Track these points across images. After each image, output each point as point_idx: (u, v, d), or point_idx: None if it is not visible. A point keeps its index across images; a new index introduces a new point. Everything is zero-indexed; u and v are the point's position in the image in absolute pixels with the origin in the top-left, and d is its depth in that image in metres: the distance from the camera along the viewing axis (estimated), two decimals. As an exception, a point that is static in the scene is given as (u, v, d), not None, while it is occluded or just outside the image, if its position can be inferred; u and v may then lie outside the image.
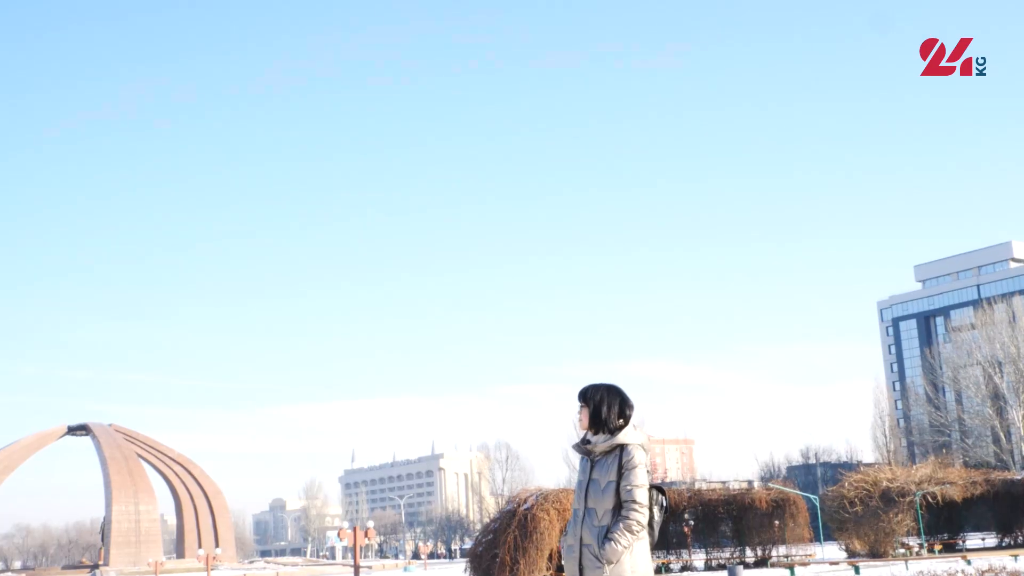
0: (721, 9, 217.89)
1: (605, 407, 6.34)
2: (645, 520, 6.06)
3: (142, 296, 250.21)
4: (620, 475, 6.12)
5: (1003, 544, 46.74)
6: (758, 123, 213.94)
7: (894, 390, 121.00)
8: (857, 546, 43.36)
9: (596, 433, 6.36)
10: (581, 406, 6.46)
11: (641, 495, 6.06)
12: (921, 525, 42.30)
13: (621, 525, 5.98)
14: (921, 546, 43.35)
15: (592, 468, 6.29)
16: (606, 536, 6.01)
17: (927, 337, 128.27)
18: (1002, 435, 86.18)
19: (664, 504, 6.33)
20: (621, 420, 6.35)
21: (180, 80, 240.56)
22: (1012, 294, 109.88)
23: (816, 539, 45.33)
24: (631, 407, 6.44)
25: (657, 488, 6.28)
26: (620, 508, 6.08)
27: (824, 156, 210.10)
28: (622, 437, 6.25)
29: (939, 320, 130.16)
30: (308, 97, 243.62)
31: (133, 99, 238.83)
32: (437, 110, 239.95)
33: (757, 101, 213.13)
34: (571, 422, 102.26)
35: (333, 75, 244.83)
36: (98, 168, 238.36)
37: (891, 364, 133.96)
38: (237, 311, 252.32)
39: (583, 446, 6.42)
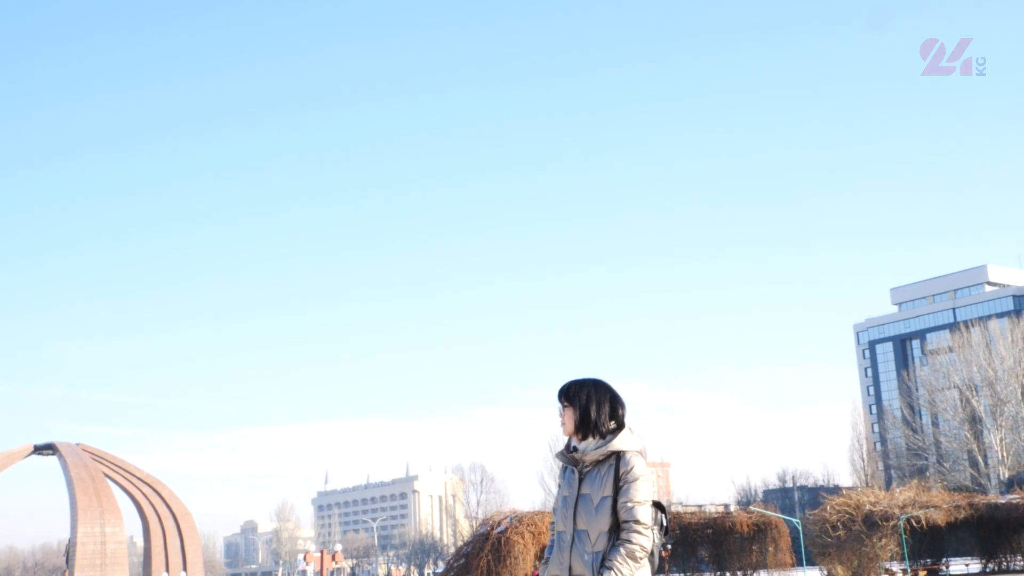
0: (696, 28, 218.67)
1: (594, 407, 5.21)
2: (650, 544, 4.93)
3: (116, 316, 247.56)
4: (617, 489, 5.03)
5: (987, 570, 45.90)
6: (734, 145, 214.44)
7: (871, 413, 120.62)
8: (839, 571, 42.31)
9: (584, 438, 5.27)
10: (564, 406, 5.31)
11: (644, 514, 4.94)
12: (905, 550, 41.38)
13: (622, 550, 4.87)
14: (905, 571, 42.42)
15: (581, 481, 5.16)
16: (603, 564, 4.90)
17: (904, 360, 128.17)
18: (980, 458, 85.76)
19: (664, 524, 5.18)
20: (613, 422, 5.24)
21: (162, 92, 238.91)
22: (988, 317, 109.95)
23: (798, 564, 44.31)
24: (623, 406, 5.31)
25: (657, 505, 5.18)
26: (618, 529, 4.97)
27: (800, 179, 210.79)
28: (617, 443, 5.12)
29: (915, 343, 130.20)
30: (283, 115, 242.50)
31: (105, 117, 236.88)
32: (417, 127, 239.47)
33: (733, 123, 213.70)
34: (547, 443, 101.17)
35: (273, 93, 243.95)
36: (76, 187, 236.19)
37: (868, 387, 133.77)
38: (211, 332, 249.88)
39: (569, 454, 5.30)
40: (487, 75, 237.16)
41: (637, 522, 4.94)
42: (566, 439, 5.41)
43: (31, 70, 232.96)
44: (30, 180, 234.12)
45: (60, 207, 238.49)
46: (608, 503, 5.01)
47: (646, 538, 4.95)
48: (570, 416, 5.30)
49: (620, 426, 5.26)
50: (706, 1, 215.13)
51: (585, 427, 5.24)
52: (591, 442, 5.21)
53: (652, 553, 5.03)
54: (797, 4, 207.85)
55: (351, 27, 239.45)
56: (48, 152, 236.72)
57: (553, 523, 5.36)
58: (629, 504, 4.96)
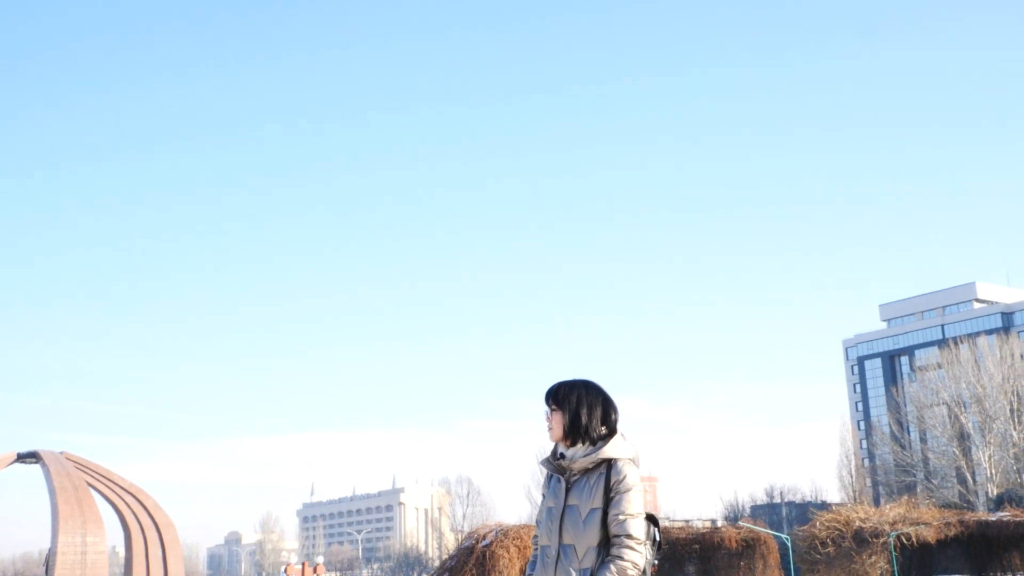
0: (680, 43, 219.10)
1: (585, 410, 4.75)
2: (643, 561, 4.46)
3: (104, 325, 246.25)
4: (608, 500, 4.56)
5: (977, 587, 45.51)
6: (723, 161, 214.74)
7: (859, 429, 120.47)
8: (828, 588, 41.83)
9: (572, 444, 4.80)
10: (551, 409, 4.84)
11: (637, 528, 4.48)
12: (895, 567, 40.96)
13: (613, 568, 4.42)
14: (894, 588, 41.96)
15: (568, 491, 4.69)
16: None
17: (892, 376, 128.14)
18: (968, 475, 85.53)
19: (657, 539, 4.70)
20: (604, 427, 4.79)
21: (158, 98, 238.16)
22: (977, 334, 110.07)
23: (787, 580, 43.83)
24: (616, 410, 4.84)
25: (650, 519, 4.69)
26: (608, 544, 4.51)
27: (789, 195, 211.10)
28: (609, 450, 4.66)
29: (904, 359, 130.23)
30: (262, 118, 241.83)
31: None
32: (410, 136, 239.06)
33: (723, 139, 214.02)
34: (534, 455, 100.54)
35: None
36: (67, 195, 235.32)
37: (856, 403, 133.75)
38: (197, 342, 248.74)
39: (556, 462, 4.84)
40: (480, 87, 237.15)
41: (630, 536, 4.49)
42: (553, 446, 4.97)
43: (24, 75, 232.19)
44: (22, 186, 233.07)
45: (52, 213, 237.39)
46: (598, 515, 4.56)
47: (639, 554, 4.50)
48: (558, 420, 4.84)
49: (612, 432, 4.81)
50: (690, 16, 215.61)
51: (575, 432, 4.79)
52: (580, 448, 4.76)
53: (644, 571, 4.58)
54: (779, 16, 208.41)
55: (362, 32, 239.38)
56: (39, 158, 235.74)
57: (536, 537, 4.89)
58: (621, 517, 4.51)
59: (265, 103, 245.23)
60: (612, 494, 4.57)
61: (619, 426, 4.87)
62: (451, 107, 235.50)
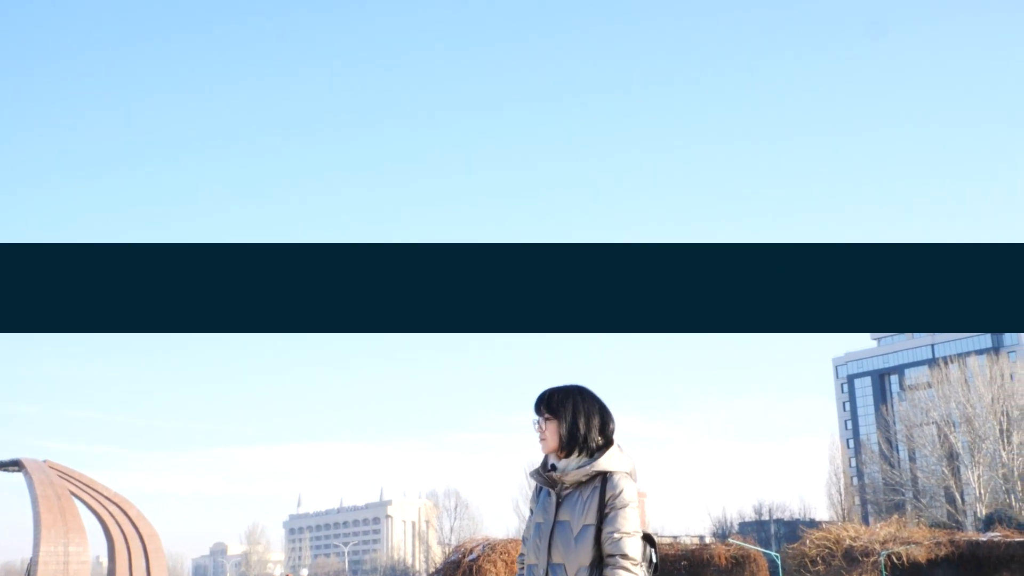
0: (670, 50, 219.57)
1: (582, 420, 4.41)
2: None
3: (91, 334, 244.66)
4: (602, 516, 4.22)
5: (967, 608, 45.23)
6: (715, 171, 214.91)
7: (848, 447, 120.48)
8: (817, 607, 41.55)
9: (567, 456, 4.45)
10: (545, 418, 4.48)
11: (633, 547, 4.13)
12: (885, 587, 40.72)
13: None
14: (883, 608, 41.69)
15: (559, 506, 4.35)
16: None
17: (882, 395, 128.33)
18: (957, 495, 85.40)
19: (654, 560, 4.36)
20: (601, 438, 4.45)
21: (163, 102, 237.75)
22: (967, 354, 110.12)
23: (775, 598, 43.56)
24: (613, 420, 4.48)
25: (647, 539, 4.35)
26: (600, 564, 4.17)
27: (781, 207, 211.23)
28: (604, 462, 4.32)
29: (894, 378, 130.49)
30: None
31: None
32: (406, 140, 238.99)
33: (715, 148, 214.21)
34: (522, 469, 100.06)
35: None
36: (62, 202, 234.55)
37: (846, 421, 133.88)
38: (188, 352, 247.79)
39: (547, 474, 4.49)
40: (476, 91, 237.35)
41: (624, 556, 4.14)
42: (542, 457, 4.61)
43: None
44: (21, 186, 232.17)
45: (49, 218, 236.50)
46: (591, 532, 4.22)
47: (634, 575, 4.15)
48: (553, 430, 4.48)
49: (608, 443, 4.46)
50: (689, 17, 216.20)
51: (572, 443, 4.43)
52: (573, 460, 4.41)
53: (637, 594, 4.22)
54: (776, 18, 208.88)
55: (364, 36, 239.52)
56: (36, 162, 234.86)
57: (523, 555, 4.53)
58: (616, 535, 4.16)
59: (260, 108, 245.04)
60: (607, 510, 4.24)
61: (615, 437, 4.53)
62: (446, 112, 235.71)
